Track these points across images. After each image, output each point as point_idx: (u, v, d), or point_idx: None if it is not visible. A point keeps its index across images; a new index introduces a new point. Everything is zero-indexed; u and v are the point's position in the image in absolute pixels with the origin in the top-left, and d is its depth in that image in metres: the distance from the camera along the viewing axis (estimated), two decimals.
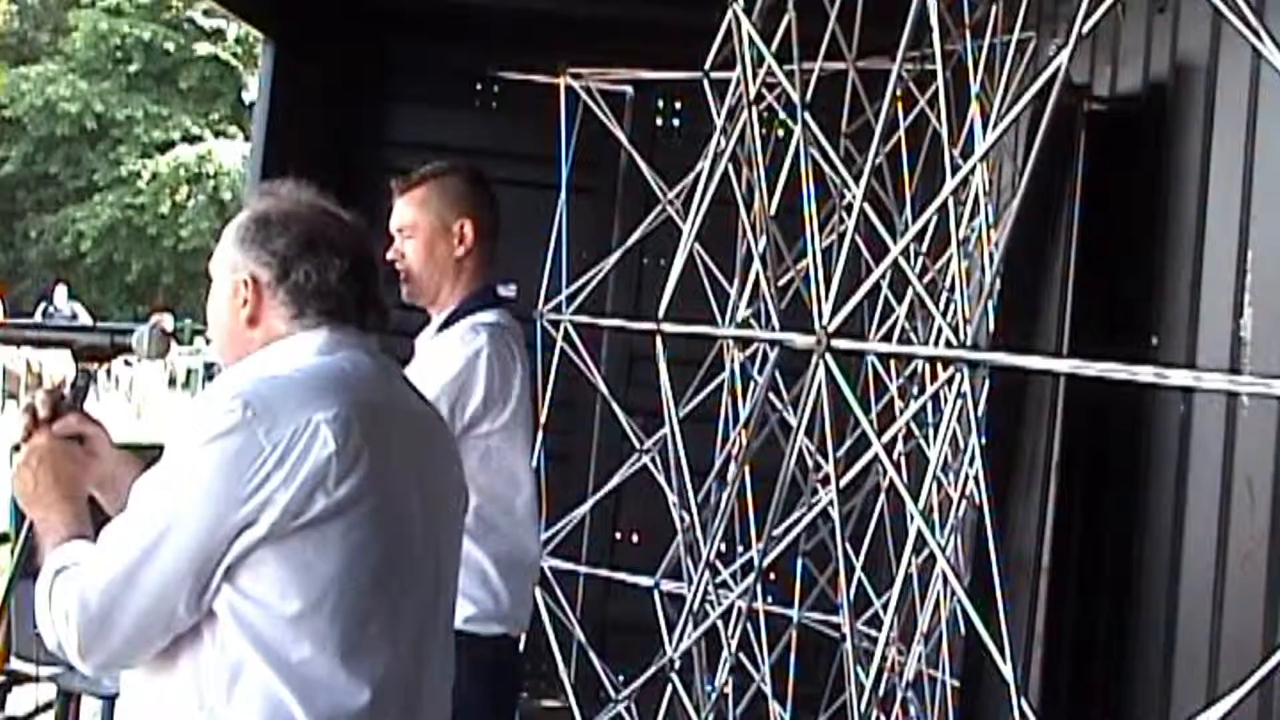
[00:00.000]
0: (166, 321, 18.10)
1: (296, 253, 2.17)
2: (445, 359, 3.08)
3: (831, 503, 2.93)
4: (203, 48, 26.84)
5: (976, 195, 4.08)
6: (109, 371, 17.51)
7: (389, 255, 3.19)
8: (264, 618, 2.01)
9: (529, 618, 3.27)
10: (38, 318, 19.72)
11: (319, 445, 2.01)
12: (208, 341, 2.44)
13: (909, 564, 2.99)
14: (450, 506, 2.32)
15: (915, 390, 4.83)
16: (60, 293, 20.84)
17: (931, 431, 4.55)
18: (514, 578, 3.13)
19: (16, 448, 2.28)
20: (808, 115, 3.17)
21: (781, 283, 3.98)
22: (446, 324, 3.19)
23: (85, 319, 19.53)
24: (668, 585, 4.95)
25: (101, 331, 2.46)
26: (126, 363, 17.90)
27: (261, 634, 2.01)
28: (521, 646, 3.36)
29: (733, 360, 4.83)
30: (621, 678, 4.90)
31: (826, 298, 2.78)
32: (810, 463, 4.41)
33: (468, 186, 3.25)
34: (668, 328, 3.62)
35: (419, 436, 2.25)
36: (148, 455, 2.23)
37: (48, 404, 2.31)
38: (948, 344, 2.60)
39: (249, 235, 2.20)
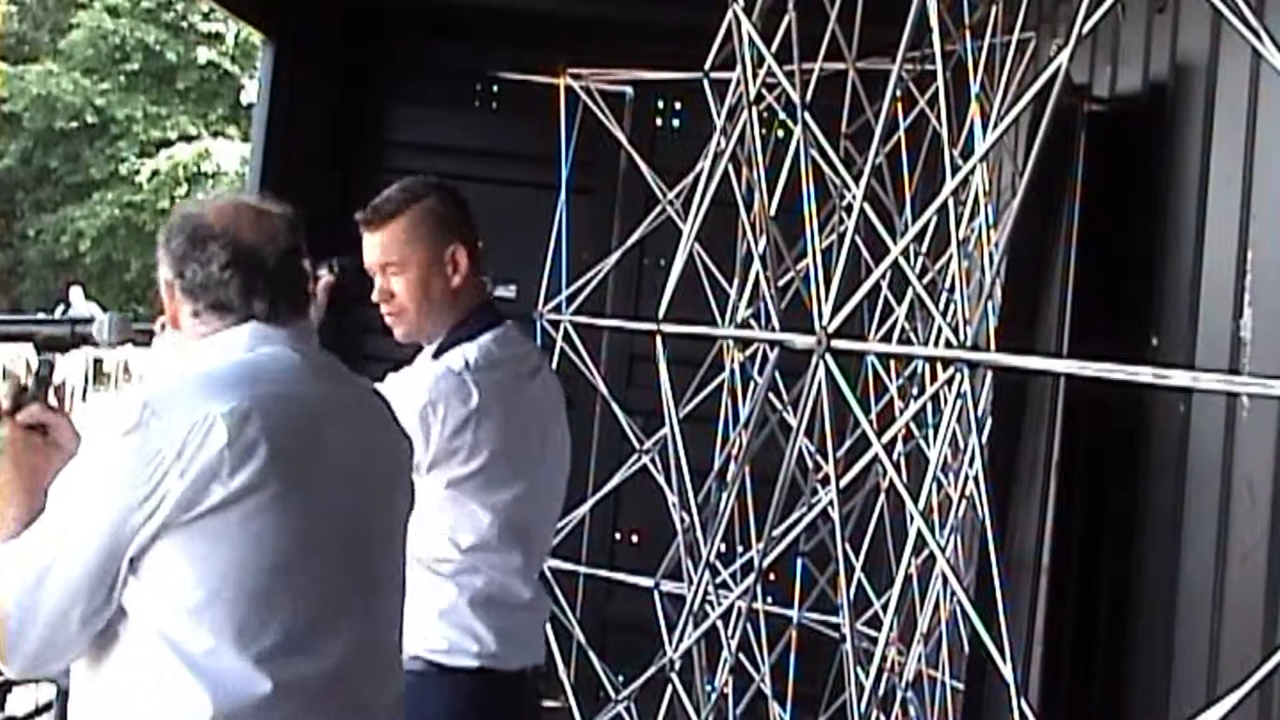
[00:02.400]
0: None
1: (184, 252, 2.23)
2: (394, 396, 2.82)
3: (831, 503, 2.93)
4: (202, 51, 26.84)
5: (976, 196, 4.08)
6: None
7: (374, 297, 2.99)
8: (167, 609, 2.05)
9: (535, 652, 3.09)
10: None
11: (213, 438, 2.05)
12: None
13: (909, 564, 2.99)
14: (386, 494, 2.35)
15: (915, 390, 4.83)
16: (76, 294, 20.79)
17: (931, 432, 4.55)
18: (495, 616, 2.94)
19: None
20: (808, 115, 3.17)
21: (781, 283, 3.97)
22: (441, 349, 2.99)
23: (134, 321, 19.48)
24: (668, 585, 4.95)
25: (63, 322, 2.51)
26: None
27: (164, 625, 2.05)
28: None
29: (733, 361, 4.84)
30: (621, 678, 4.91)
31: (826, 298, 2.78)
32: (810, 463, 4.41)
33: (447, 207, 2.98)
34: (668, 328, 3.62)
35: (346, 426, 2.27)
36: None
37: (10, 394, 2.34)
38: (948, 344, 2.60)
39: (160, 241, 2.28)
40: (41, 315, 2.62)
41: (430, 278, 2.95)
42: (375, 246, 2.97)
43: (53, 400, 2.39)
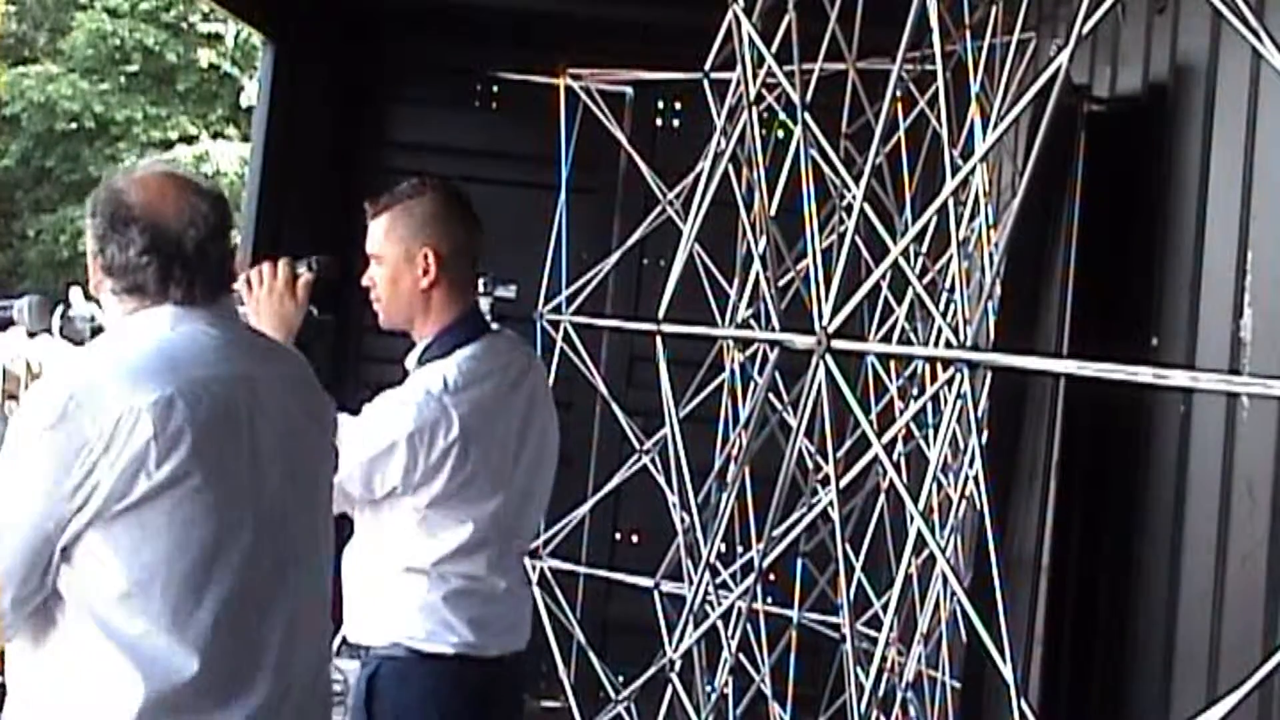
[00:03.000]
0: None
1: (104, 231, 2.25)
2: (371, 429, 2.97)
3: (831, 503, 2.92)
4: (202, 53, 26.84)
5: (976, 196, 4.08)
6: None
7: (363, 281, 3.12)
8: (99, 595, 2.11)
9: (515, 639, 3.16)
10: (56, 321, 19.69)
11: (140, 430, 2.09)
12: None
13: (909, 565, 2.99)
14: (310, 465, 2.40)
15: (915, 391, 4.83)
16: (76, 294, 20.82)
17: (931, 432, 4.55)
18: (471, 608, 3.03)
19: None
20: (808, 116, 3.17)
21: (781, 283, 3.97)
22: (423, 357, 3.09)
23: (101, 319, 19.49)
24: (668, 586, 4.95)
25: None
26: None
27: (97, 610, 2.11)
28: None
29: (733, 361, 4.83)
30: (621, 678, 4.90)
31: (826, 298, 2.78)
32: (810, 463, 4.41)
33: (434, 209, 3.07)
34: (668, 328, 3.62)
35: (268, 401, 2.29)
36: None
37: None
38: (947, 344, 2.60)
39: (87, 212, 2.31)
40: None
41: (399, 274, 3.06)
42: (369, 236, 3.12)
43: None
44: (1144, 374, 2.14)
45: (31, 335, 2.61)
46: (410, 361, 3.13)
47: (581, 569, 5.71)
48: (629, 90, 6.19)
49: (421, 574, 3.02)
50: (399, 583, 3.02)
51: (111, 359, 2.21)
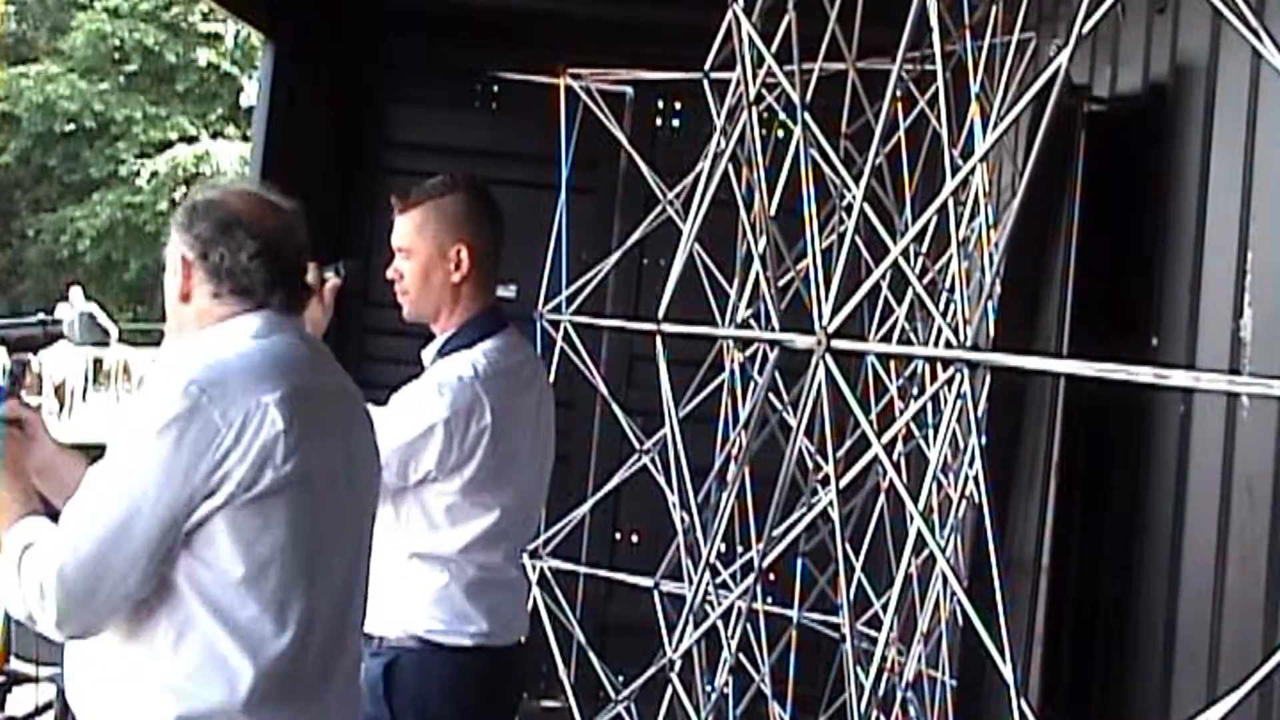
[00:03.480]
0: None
1: (212, 236, 2.36)
2: (405, 416, 3.01)
3: (831, 503, 2.93)
4: (201, 52, 26.82)
5: (976, 196, 4.08)
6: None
7: (388, 274, 3.16)
8: (215, 581, 2.22)
9: (520, 626, 3.23)
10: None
11: (268, 424, 2.22)
12: None
13: (909, 564, 2.99)
14: (369, 473, 2.55)
15: (915, 391, 4.83)
16: (76, 294, 20.76)
17: (931, 432, 4.55)
18: (486, 598, 3.09)
19: None
20: (808, 116, 3.17)
21: (781, 283, 3.98)
22: (445, 348, 3.15)
23: (103, 320, 19.48)
24: (668, 586, 4.95)
25: (34, 324, 2.64)
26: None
27: (212, 595, 2.23)
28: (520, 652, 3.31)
29: (733, 361, 4.83)
30: (621, 678, 4.90)
31: (826, 298, 2.78)
32: (810, 463, 4.41)
33: (466, 206, 3.14)
34: (668, 328, 3.62)
35: (343, 413, 2.47)
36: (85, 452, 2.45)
37: None
38: (947, 344, 2.60)
39: (182, 220, 2.40)
40: (12, 318, 2.70)
41: (432, 269, 3.12)
42: (396, 229, 3.17)
43: (39, 398, 2.46)
44: (1144, 374, 2.14)
45: (80, 345, 2.69)
46: (428, 354, 3.18)
47: (581, 569, 5.71)
48: (629, 90, 6.19)
49: (441, 564, 3.05)
50: (416, 573, 3.05)
51: (230, 357, 2.30)
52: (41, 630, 2.25)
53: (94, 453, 2.34)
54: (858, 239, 3.03)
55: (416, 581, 3.05)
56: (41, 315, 2.65)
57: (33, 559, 2.22)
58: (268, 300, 2.36)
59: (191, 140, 27.16)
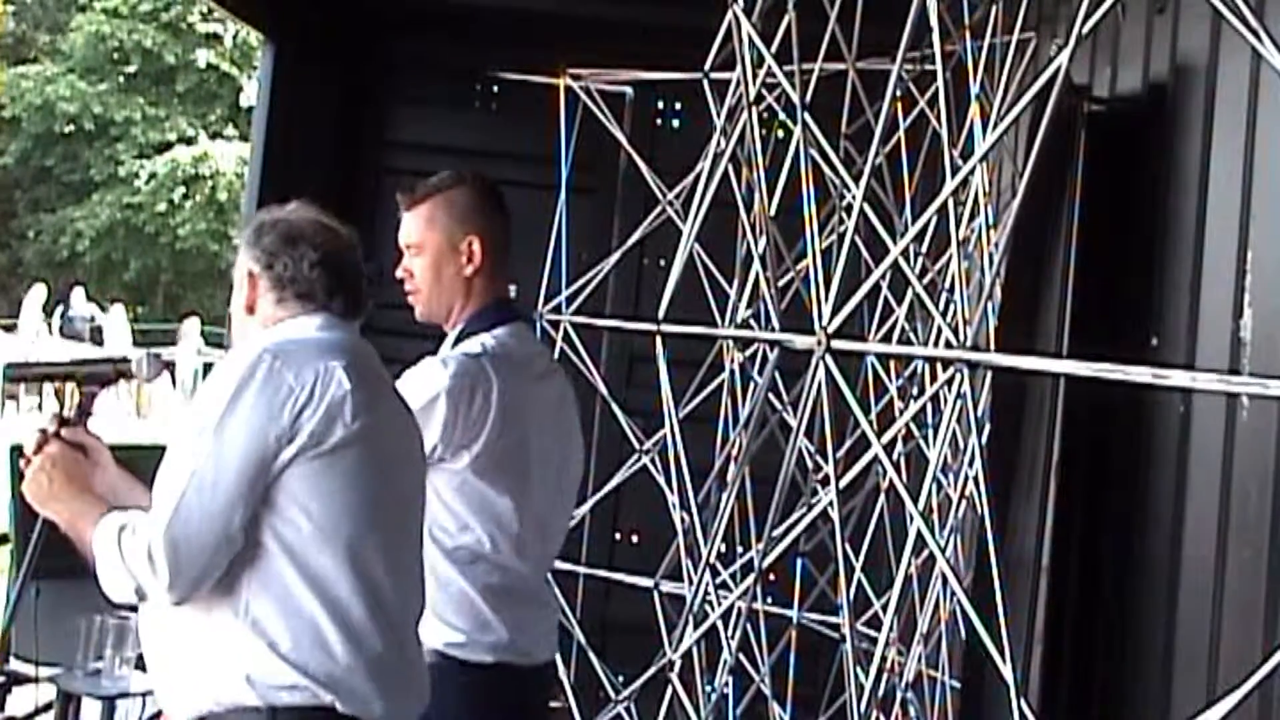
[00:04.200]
0: (192, 328, 18.62)
1: (277, 248, 2.61)
2: (409, 390, 2.93)
3: (831, 503, 2.93)
4: (201, 53, 26.82)
5: (976, 196, 4.08)
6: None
7: (398, 273, 3.14)
8: (293, 531, 2.42)
9: (547, 647, 3.16)
10: (56, 321, 19.77)
11: (335, 384, 2.45)
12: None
13: (909, 565, 2.99)
14: (421, 457, 2.77)
15: (915, 391, 4.82)
16: (77, 295, 20.78)
17: (931, 432, 4.55)
18: (509, 607, 3.01)
19: (24, 458, 2.67)
20: (808, 116, 3.17)
21: (781, 283, 3.97)
22: (459, 338, 3.10)
23: (101, 320, 19.49)
24: (667, 586, 4.94)
25: (104, 361, 2.88)
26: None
27: (291, 545, 2.42)
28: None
29: (732, 361, 4.83)
30: (621, 678, 4.90)
31: (826, 298, 2.78)
32: (810, 463, 4.41)
33: (475, 200, 3.11)
34: (668, 328, 3.62)
35: (399, 404, 2.71)
36: (150, 457, 2.58)
37: (55, 420, 2.70)
38: (947, 345, 2.60)
39: (249, 238, 2.67)
40: (86, 355, 2.97)
41: (443, 262, 3.10)
42: (404, 227, 3.16)
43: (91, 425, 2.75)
44: (1143, 374, 2.14)
45: (148, 382, 2.97)
46: (445, 349, 3.12)
47: (581, 569, 5.71)
48: (629, 90, 6.19)
49: (460, 567, 2.98)
50: (436, 574, 2.92)
51: (293, 337, 2.54)
52: (152, 600, 2.45)
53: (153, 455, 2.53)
54: (858, 239, 3.03)
55: (437, 583, 2.92)
56: (110, 355, 2.95)
57: (133, 534, 2.41)
58: (328, 304, 2.60)
59: (191, 141, 27.17)
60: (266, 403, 2.41)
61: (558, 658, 5.10)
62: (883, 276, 2.78)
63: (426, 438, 2.89)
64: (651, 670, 4.17)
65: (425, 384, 2.95)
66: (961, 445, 4.05)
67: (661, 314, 3.64)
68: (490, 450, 2.97)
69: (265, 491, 2.42)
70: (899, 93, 4.22)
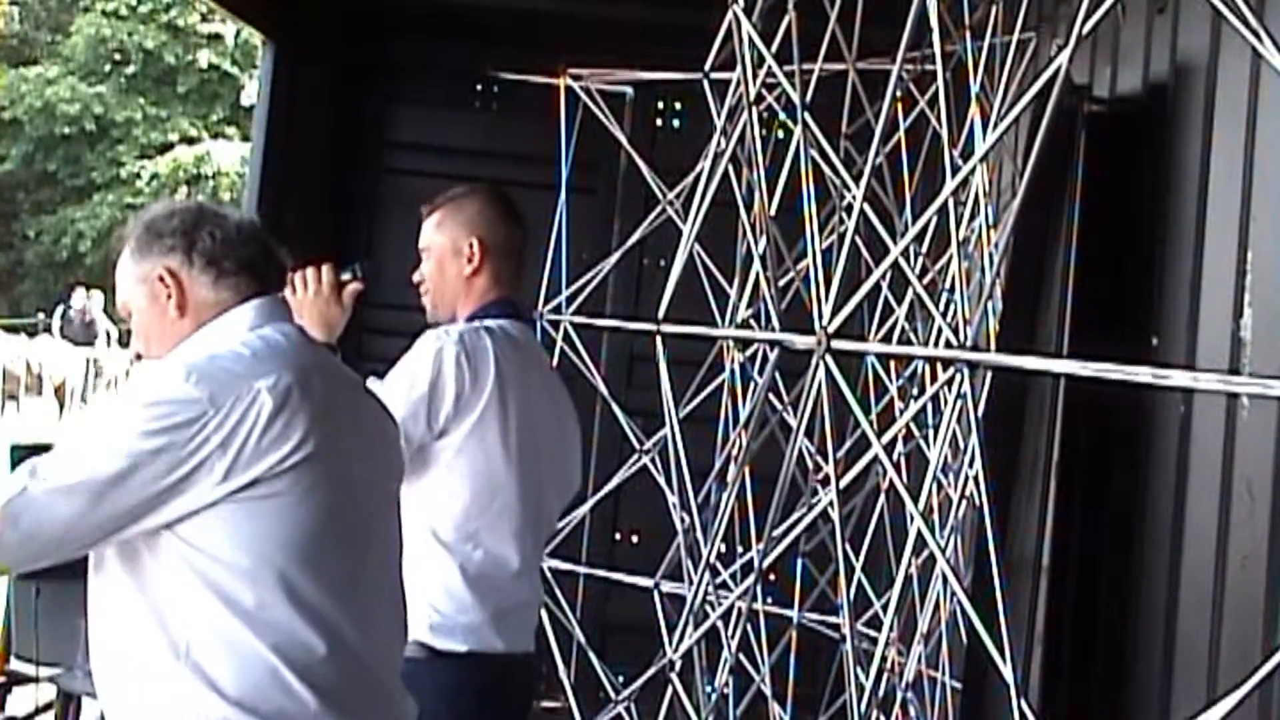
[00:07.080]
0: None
1: (190, 226, 2.33)
2: (410, 364, 3.09)
3: (831, 504, 2.92)
4: (201, 54, 26.82)
5: (976, 196, 4.08)
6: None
7: (414, 278, 3.29)
8: (219, 570, 2.18)
9: (522, 639, 3.19)
10: (56, 321, 19.77)
11: (257, 409, 2.17)
12: None
13: (909, 565, 2.99)
14: (390, 465, 2.52)
15: (915, 391, 4.82)
16: (78, 295, 20.75)
17: (931, 432, 4.55)
18: (485, 590, 3.07)
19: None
20: (808, 116, 3.17)
21: (781, 283, 3.97)
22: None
23: (101, 320, 19.49)
24: (668, 586, 4.95)
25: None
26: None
27: (219, 584, 2.18)
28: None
29: (733, 361, 4.83)
30: (621, 678, 4.90)
31: (826, 298, 2.78)
32: (810, 463, 4.41)
33: (481, 207, 3.28)
34: (667, 328, 3.62)
35: (354, 399, 2.46)
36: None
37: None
38: (947, 345, 2.60)
39: (141, 245, 2.35)
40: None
41: (446, 263, 3.25)
42: (422, 233, 3.31)
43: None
44: (1143, 374, 2.14)
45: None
46: None
47: (581, 569, 5.71)
48: (629, 90, 6.19)
49: (444, 549, 3.06)
50: (418, 556, 2.93)
51: (224, 347, 2.27)
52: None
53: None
54: (858, 239, 3.02)
55: (419, 567, 2.91)
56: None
57: (18, 474, 2.19)
58: (267, 270, 2.36)
59: (192, 141, 27.15)
60: (175, 430, 2.15)
61: (557, 658, 5.18)
62: (883, 276, 2.78)
63: (429, 406, 3.03)
64: (651, 670, 4.18)
65: (426, 359, 3.07)
66: (961, 445, 4.05)
67: (661, 314, 3.63)
68: (485, 419, 3.07)
69: (179, 524, 2.17)
70: (899, 93, 4.22)
